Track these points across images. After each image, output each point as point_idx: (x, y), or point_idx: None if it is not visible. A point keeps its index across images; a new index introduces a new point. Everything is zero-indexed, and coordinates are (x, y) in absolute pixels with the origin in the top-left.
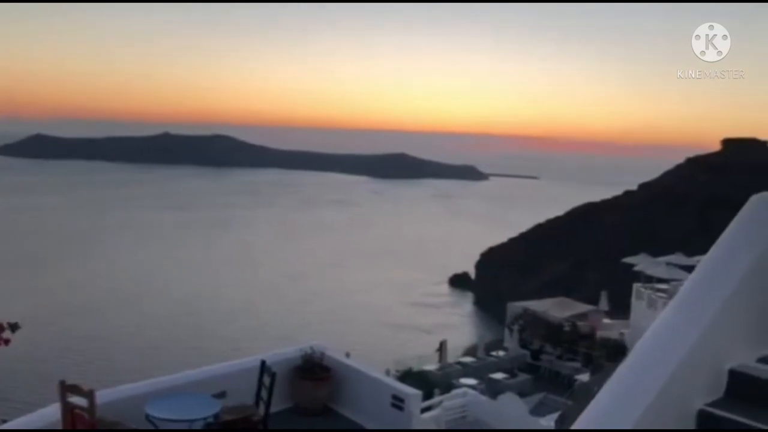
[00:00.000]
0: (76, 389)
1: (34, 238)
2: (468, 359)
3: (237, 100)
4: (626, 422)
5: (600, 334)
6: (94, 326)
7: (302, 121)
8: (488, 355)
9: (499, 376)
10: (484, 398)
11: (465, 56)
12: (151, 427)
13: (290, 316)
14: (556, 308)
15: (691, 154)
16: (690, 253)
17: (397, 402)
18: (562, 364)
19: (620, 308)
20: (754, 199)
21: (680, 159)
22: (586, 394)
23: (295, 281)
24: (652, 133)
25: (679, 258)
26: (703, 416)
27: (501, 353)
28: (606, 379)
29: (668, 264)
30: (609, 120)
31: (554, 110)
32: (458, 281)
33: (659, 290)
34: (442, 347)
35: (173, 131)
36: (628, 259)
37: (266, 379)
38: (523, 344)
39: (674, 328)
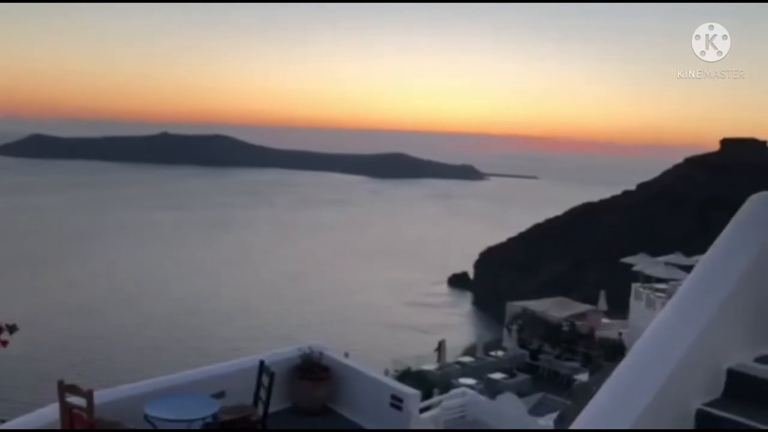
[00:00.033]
0: (74, 389)
1: (32, 238)
2: (467, 359)
3: (236, 99)
4: (625, 422)
5: (599, 333)
6: (93, 326)
7: (302, 121)
8: (487, 354)
9: (497, 375)
10: (482, 398)
11: (465, 56)
12: (150, 427)
13: (289, 316)
14: (554, 308)
15: (691, 154)
16: (689, 253)
17: (396, 402)
18: (561, 363)
19: (619, 308)
20: (753, 198)
21: (680, 159)
22: (585, 393)
23: (294, 281)
24: (652, 133)
25: (677, 258)
26: (701, 416)
27: (500, 353)
28: (605, 379)
29: (667, 264)
30: (609, 120)
31: (554, 110)
32: (457, 281)
33: (658, 290)
34: (440, 347)
35: (172, 131)
36: (626, 259)
37: (265, 379)
38: (522, 344)
39: (673, 328)
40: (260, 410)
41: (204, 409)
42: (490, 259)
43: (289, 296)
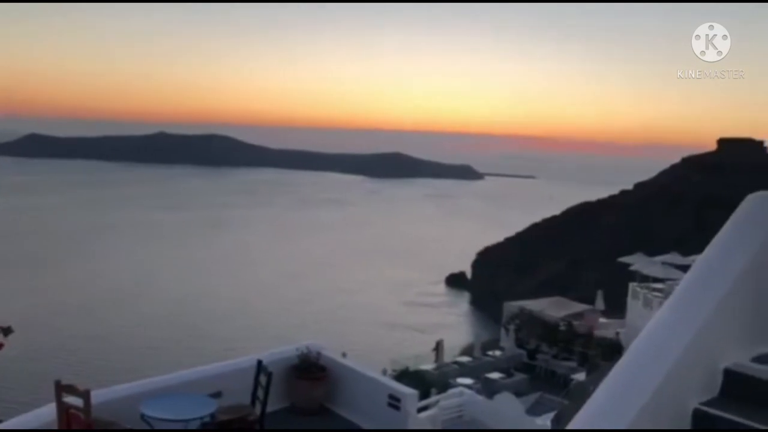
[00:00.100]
0: (71, 389)
1: (30, 238)
2: (464, 359)
3: (235, 99)
4: (622, 421)
5: (596, 333)
6: (90, 326)
7: (300, 121)
8: (485, 354)
9: (495, 375)
10: (480, 398)
11: (465, 56)
12: (147, 427)
13: (287, 316)
14: (552, 308)
15: (689, 154)
16: (686, 253)
17: (394, 402)
18: (558, 363)
19: (616, 307)
20: (750, 198)
21: (678, 159)
22: (582, 393)
23: (291, 281)
24: (652, 133)
25: (674, 257)
26: (698, 415)
27: (497, 353)
28: (602, 379)
29: (664, 263)
30: (609, 120)
31: (554, 110)
32: (455, 281)
33: (655, 290)
34: (438, 347)
35: (171, 131)
36: (623, 259)
37: (262, 379)
38: (520, 344)
39: (670, 328)
40: (257, 410)
41: (201, 409)
42: (487, 258)
43: (287, 296)
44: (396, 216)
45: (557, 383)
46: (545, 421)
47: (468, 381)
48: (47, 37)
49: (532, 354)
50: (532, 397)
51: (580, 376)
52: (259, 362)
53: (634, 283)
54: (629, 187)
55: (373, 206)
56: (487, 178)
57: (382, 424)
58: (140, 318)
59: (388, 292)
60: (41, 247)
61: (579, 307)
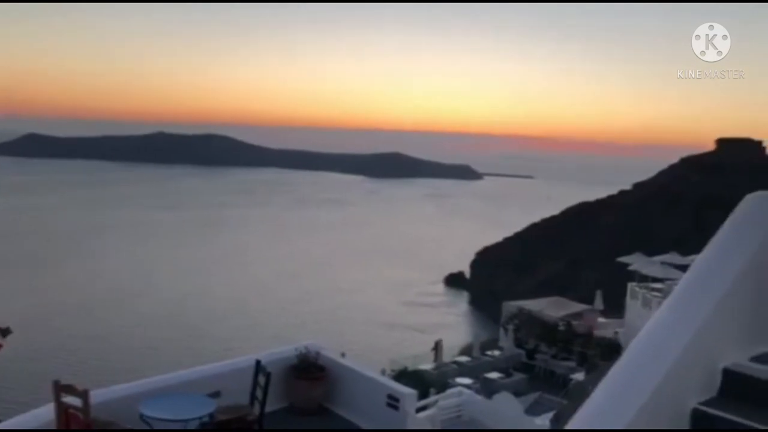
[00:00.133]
0: (70, 389)
1: (29, 238)
2: (463, 358)
3: (234, 99)
4: (621, 421)
5: (595, 333)
6: (89, 326)
7: (300, 121)
8: (483, 354)
9: (494, 375)
10: (479, 398)
11: (465, 56)
12: (146, 427)
13: (286, 316)
14: (551, 308)
15: (688, 154)
16: (685, 253)
17: (393, 401)
18: (557, 363)
19: (615, 307)
20: (748, 198)
21: (677, 159)
22: (581, 393)
23: (290, 281)
24: (652, 133)
25: (673, 257)
26: (697, 415)
27: (496, 353)
28: (601, 379)
29: (663, 263)
30: (609, 120)
31: (554, 110)
32: (453, 280)
33: (654, 289)
34: (437, 346)
35: (170, 130)
36: (622, 259)
37: (261, 379)
38: (518, 344)
39: (669, 327)
40: (256, 410)
41: (200, 409)
42: (486, 258)
43: (286, 296)
44: (395, 216)
45: (556, 383)
46: (544, 420)
47: (467, 381)
48: (47, 37)
49: (531, 354)
50: (531, 396)
51: (579, 376)
52: (258, 362)
53: (633, 283)
54: (627, 187)
55: (373, 206)
56: (486, 178)
57: (381, 423)
58: (139, 318)
59: (387, 291)
60: (40, 247)
61: (578, 306)
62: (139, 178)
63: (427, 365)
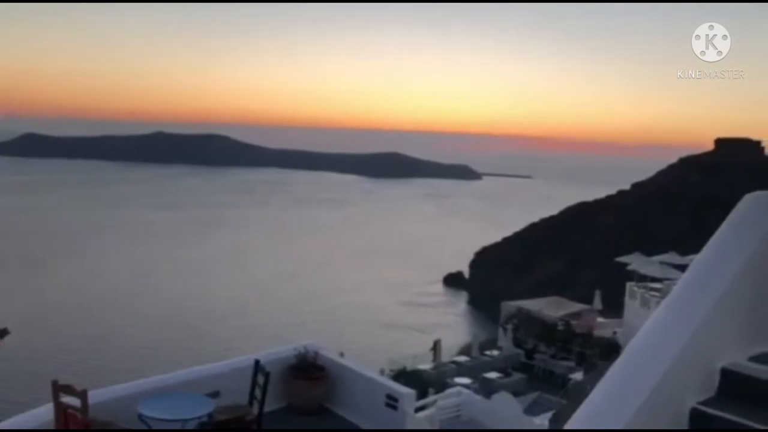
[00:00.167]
0: (68, 389)
1: (28, 238)
2: (462, 358)
3: (233, 99)
4: (619, 421)
5: (594, 333)
6: (88, 326)
7: (299, 121)
8: (482, 354)
9: (493, 375)
10: (478, 397)
11: (465, 56)
12: (145, 427)
13: (285, 316)
14: (549, 307)
15: (686, 154)
16: (683, 253)
17: (392, 401)
18: (556, 363)
19: (614, 307)
20: (747, 198)
21: (676, 159)
22: (580, 393)
23: (289, 280)
24: (652, 133)
25: (672, 257)
26: (695, 415)
27: (495, 352)
28: (599, 378)
29: (662, 263)
30: (609, 120)
31: (554, 110)
32: (452, 280)
33: (652, 289)
34: (436, 346)
35: (169, 130)
36: (621, 259)
37: (260, 379)
38: (517, 343)
39: (667, 327)
40: (255, 410)
41: (199, 409)
42: (485, 258)
43: (285, 296)
44: (394, 216)
45: (555, 383)
46: (543, 420)
47: (466, 380)
48: (46, 36)
49: (529, 354)
50: (530, 396)
51: (578, 376)
52: (257, 362)
53: (632, 283)
54: (626, 187)
55: (372, 206)
56: (485, 178)
57: (379, 423)
58: (138, 318)
59: (385, 291)
60: (39, 246)
61: (577, 306)
62: (139, 178)
63: (426, 365)
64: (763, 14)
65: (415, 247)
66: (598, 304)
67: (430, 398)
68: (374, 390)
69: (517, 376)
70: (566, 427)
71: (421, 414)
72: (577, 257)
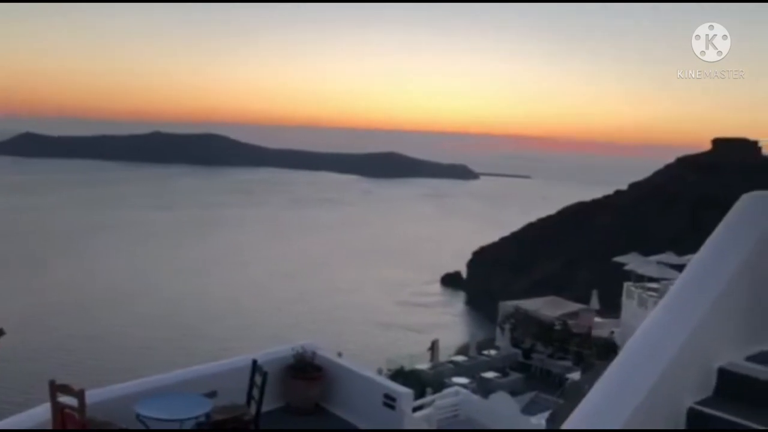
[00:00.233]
0: (66, 389)
1: (26, 238)
2: (460, 358)
3: (231, 99)
4: (617, 421)
5: (591, 332)
6: (86, 326)
7: (297, 121)
8: (480, 354)
9: (490, 374)
10: (476, 397)
11: (465, 56)
12: (142, 427)
13: (282, 316)
14: (547, 307)
15: (684, 154)
16: (681, 252)
17: (389, 401)
18: (554, 362)
19: (611, 307)
20: (744, 198)
21: (673, 159)
22: (577, 392)
23: (287, 280)
24: (651, 133)
25: (669, 257)
26: (692, 414)
27: (493, 352)
28: (597, 378)
29: (659, 263)
30: (609, 120)
31: (554, 110)
32: (450, 280)
33: (650, 289)
34: (433, 346)
35: (167, 130)
36: (619, 258)
37: (258, 379)
38: (515, 343)
39: (664, 327)
40: (253, 409)
41: (196, 409)
42: (482, 258)
43: (283, 295)
44: (392, 216)
45: (552, 383)
46: (540, 420)
47: (463, 380)
48: (46, 36)
49: (527, 353)
50: (528, 396)
51: (575, 376)
52: (255, 362)
53: (629, 283)
54: (624, 187)
55: (370, 206)
56: (483, 178)
57: (377, 423)
58: (135, 318)
59: (383, 291)
60: (37, 246)
61: (574, 306)
62: (137, 177)
63: (424, 365)
64: (763, 14)
65: (413, 247)
66: (595, 303)
67: (428, 398)
68: (372, 390)
69: (514, 376)
70: (564, 426)
71: (419, 413)
72: (574, 257)
